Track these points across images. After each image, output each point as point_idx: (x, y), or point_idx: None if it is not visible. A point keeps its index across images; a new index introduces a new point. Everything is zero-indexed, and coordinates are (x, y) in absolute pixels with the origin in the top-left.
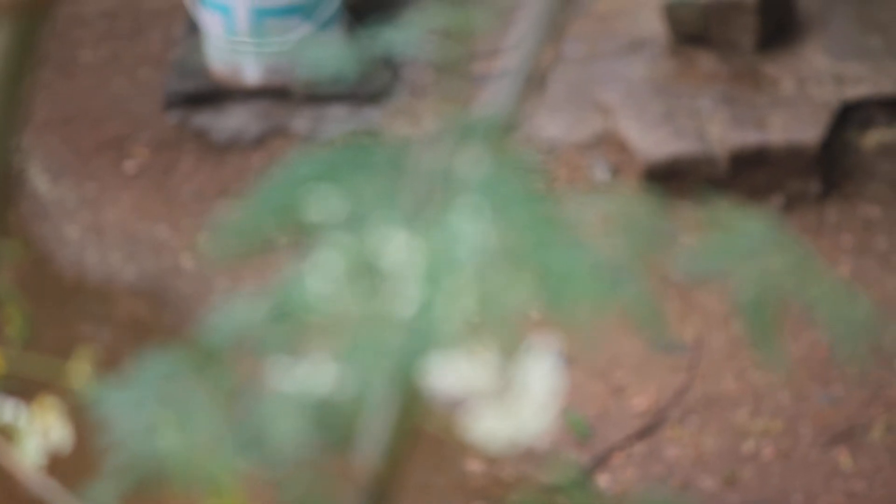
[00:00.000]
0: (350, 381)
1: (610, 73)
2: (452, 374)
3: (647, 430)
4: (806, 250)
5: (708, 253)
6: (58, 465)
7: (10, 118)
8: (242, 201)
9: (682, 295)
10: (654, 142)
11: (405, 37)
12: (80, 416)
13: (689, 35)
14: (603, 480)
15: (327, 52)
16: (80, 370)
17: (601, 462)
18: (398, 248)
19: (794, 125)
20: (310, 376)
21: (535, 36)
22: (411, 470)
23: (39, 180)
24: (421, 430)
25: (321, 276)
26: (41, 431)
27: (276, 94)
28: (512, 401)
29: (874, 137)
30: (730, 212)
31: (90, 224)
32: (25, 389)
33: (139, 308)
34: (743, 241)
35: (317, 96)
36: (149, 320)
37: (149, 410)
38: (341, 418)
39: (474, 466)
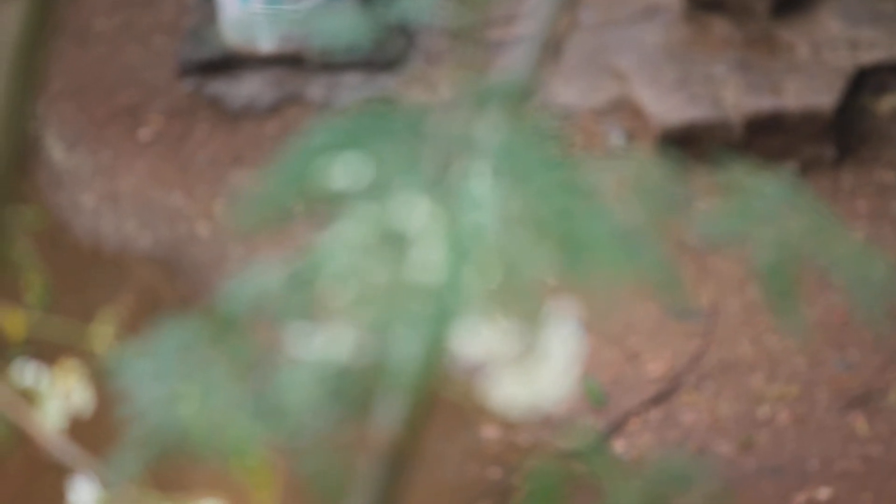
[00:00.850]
0: (369, 349)
1: (625, 39)
2: (472, 340)
3: (663, 396)
4: (824, 212)
5: (725, 216)
6: (79, 429)
7: (27, 87)
8: (262, 172)
9: (697, 260)
10: (668, 107)
11: (419, 4)
12: (101, 379)
13: (704, 1)
14: (619, 446)
15: (341, 19)
16: (103, 334)
17: (617, 428)
18: (419, 215)
19: (809, 91)
20: (329, 345)
21: (552, 2)
22: (427, 437)
23: (54, 149)
24: (439, 396)
25: (342, 243)
26: (63, 395)
27: (290, 61)
28: (532, 366)
29: (889, 102)
30: (746, 175)
31: (105, 192)
32: (46, 353)
33: (154, 276)
34: (760, 204)
35: (331, 64)
36: (164, 288)
37: (169, 379)
38: (360, 387)
39: (490, 433)
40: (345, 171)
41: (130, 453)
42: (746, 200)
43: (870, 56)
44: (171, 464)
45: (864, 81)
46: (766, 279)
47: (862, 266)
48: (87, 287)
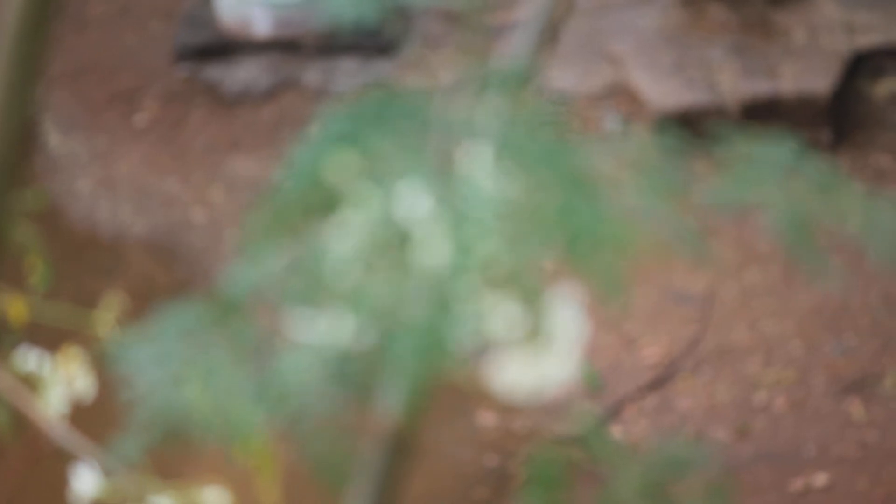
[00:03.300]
0: (371, 334)
1: (621, 24)
2: (474, 324)
3: (660, 382)
4: (826, 171)
5: (728, 186)
6: (81, 415)
7: (29, 72)
8: (278, 181)
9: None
10: (665, 92)
11: None
12: (103, 365)
13: None
14: (616, 432)
15: (339, 2)
16: (104, 319)
17: (614, 413)
18: (422, 201)
19: (806, 75)
20: (330, 329)
21: None
22: (425, 423)
23: (51, 134)
24: (439, 381)
25: (345, 229)
26: (64, 381)
27: (286, 46)
28: (533, 350)
29: (886, 87)
30: (746, 146)
31: (101, 178)
32: (48, 338)
33: (150, 262)
34: (763, 170)
35: (327, 49)
36: (160, 273)
37: (170, 363)
38: (362, 371)
39: (487, 418)
40: (347, 162)
41: (132, 439)
42: (749, 168)
43: (866, 40)
44: (173, 449)
45: (861, 65)
46: (786, 234)
47: (873, 212)
48: (84, 273)
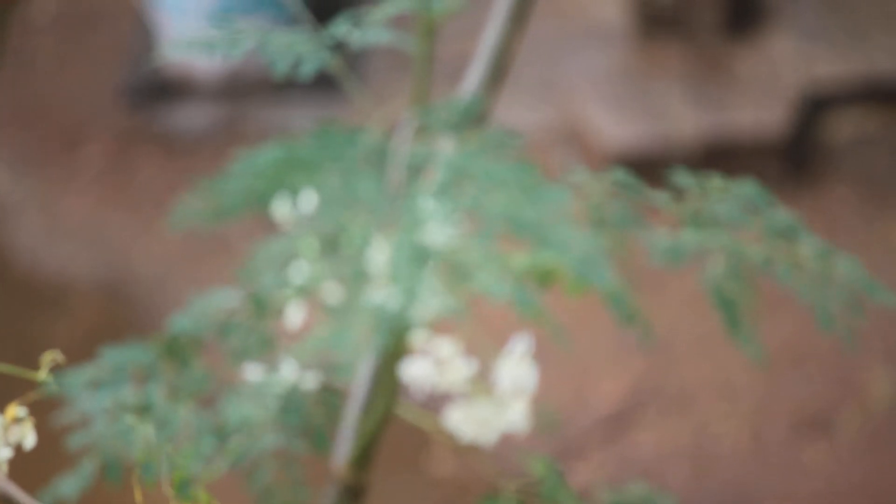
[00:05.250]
0: (320, 370)
1: (574, 58)
2: (424, 365)
3: (618, 421)
4: (781, 215)
5: (680, 232)
6: (24, 461)
7: None
8: (205, 187)
9: (655, 282)
10: (618, 130)
11: (367, 28)
12: (45, 410)
13: (654, 19)
14: (573, 473)
15: (287, 45)
16: (47, 362)
17: (571, 455)
18: (369, 237)
19: (764, 114)
20: (279, 365)
21: (501, 21)
22: (376, 465)
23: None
24: (390, 423)
25: (290, 264)
26: (7, 429)
27: (232, 89)
28: (485, 393)
29: (847, 128)
30: (699, 189)
31: (45, 221)
32: None
33: (97, 305)
34: (716, 212)
35: (276, 89)
36: (107, 318)
37: (114, 403)
38: (310, 408)
39: (441, 461)
40: (287, 193)
41: (70, 481)
42: (700, 215)
43: (826, 75)
44: (112, 491)
45: (822, 105)
46: (718, 303)
47: (823, 281)
48: (29, 317)
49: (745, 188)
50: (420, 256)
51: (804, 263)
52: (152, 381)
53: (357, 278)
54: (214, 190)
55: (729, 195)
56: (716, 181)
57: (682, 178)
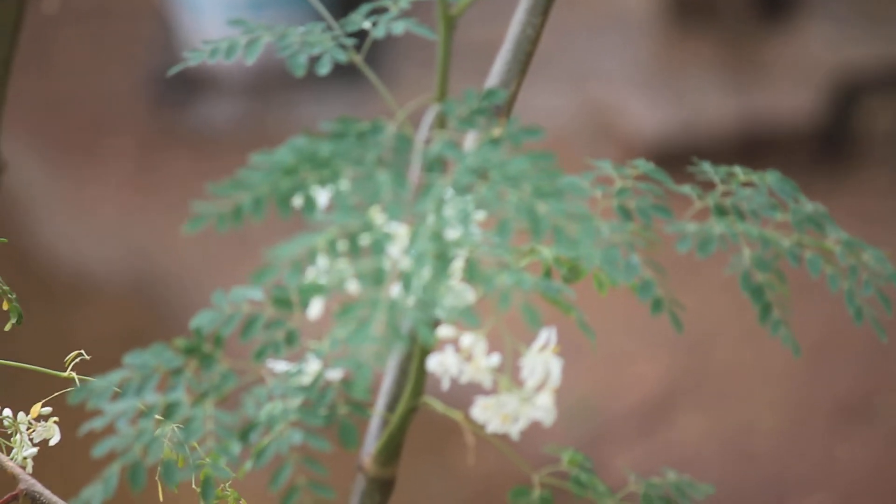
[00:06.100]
0: (344, 364)
1: (604, 45)
2: (450, 358)
3: (655, 408)
4: (814, 209)
5: (712, 223)
6: (47, 462)
7: None
8: (225, 186)
9: (694, 269)
10: (650, 116)
11: (387, 19)
12: (70, 412)
13: (685, 5)
14: (610, 458)
15: (305, 40)
16: (73, 363)
17: (608, 441)
18: (391, 234)
19: (796, 99)
20: (303, 361)
21: (527, 11)
22: (406, 455)
23: (21, 174)
24: (416, 416)
25: (315, 260)
26: (32, 427)
27: (258, 83)
28: (511, 385)
29: (880, 111)
30: (730, 180)
31: (72, 218)
32: (15, 385)
33: (123, 304)
34: (748, 204)
35: (299, 84)
36: (134, 314)
37: (139, 407)
38: (334, 404)
39: (469, 454)
40: (311, 189)
41: (97, 486)
42: (729, 202)
43: (861, 61)
44: (140, 495)
45: (856, 88)
46: (747, 291)
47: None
48: (55, 314)
49: (772, 179)
50: (442, 254)
51: (832, 254)
52: (176, 383)
53: (378, 276)
54: (235, 188)
55: (756, 188)
56: (743, 173)
57: (710, 168)
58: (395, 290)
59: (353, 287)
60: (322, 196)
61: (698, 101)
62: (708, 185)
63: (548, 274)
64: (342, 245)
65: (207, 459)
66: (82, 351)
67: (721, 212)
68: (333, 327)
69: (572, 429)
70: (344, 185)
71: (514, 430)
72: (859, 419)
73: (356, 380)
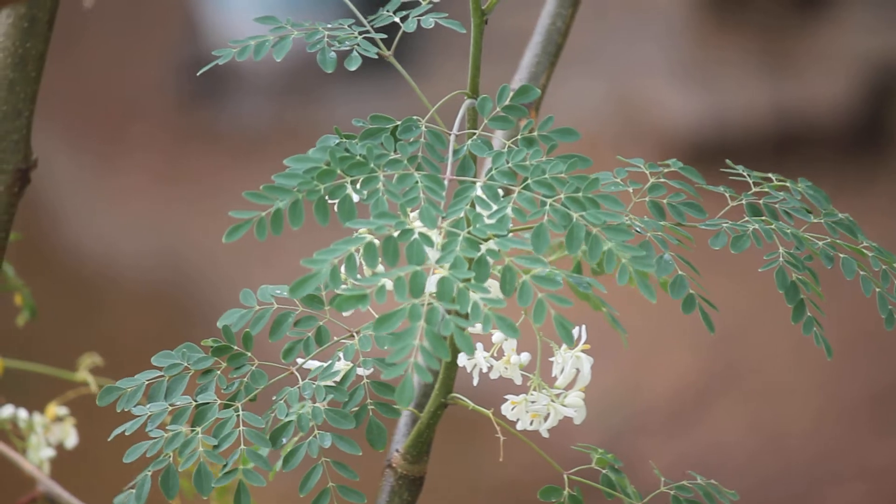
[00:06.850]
0: (378, 364)
1: (638, 35)
2: (481, 353)
3: (688, 402)
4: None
5: (746, 220)
6: (66, 463)
7: (20, 112)
8: (264, 188)
9: (721, 261)
10: (686, 105)
11: (420, 13)
12: (90, 412)
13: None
14: (637, 459)
15: (334, 36)
16: (91, 363)
17: (635, 441)
18: (432, 231)
19: (834, 87)
20: (335, 362)
21: (557, 1)
22: (433, 453)
23: (51, 170)
24: (448, 411)
25: (349, 257)
26: (48, 428)
27: (289, 81)
28: (544, 381)
29: None
30: (767, 179)
31: (101, 213)
32: (35, 384)
33: (153, 298)
34: (782, 206)
35: (331, 80)
36: (162, 310)
37: (166, 405)
38: (367, 402)
39: (500, 450)
40: (346, 190)
41: (129, 492)
42: (767, 203)
43: None
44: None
45: (892, 80)
46: (781, 287)
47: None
48: (74, 311)
49: (804, 187)
50: (479, 260)
51: (865, 258)
52: (207, 384)
53: (418, 285)
54: (272, 194)
55: (789, 191)
56: (776, 178)
57: (743, 169)
58: (429, 287)
59: (387, 288)
60: (357, 195)
61: (733, 94)
62: (741, 186)
63: (578, 268)
64: (377, 245)
65: (239, 466)
66: (95, 354)
67: (755, 211)
68: (373, 334)
69: (603, 422)
70: (379, 186)
71: (544, 428)
72: (893, 412)
73: (402, 390)
